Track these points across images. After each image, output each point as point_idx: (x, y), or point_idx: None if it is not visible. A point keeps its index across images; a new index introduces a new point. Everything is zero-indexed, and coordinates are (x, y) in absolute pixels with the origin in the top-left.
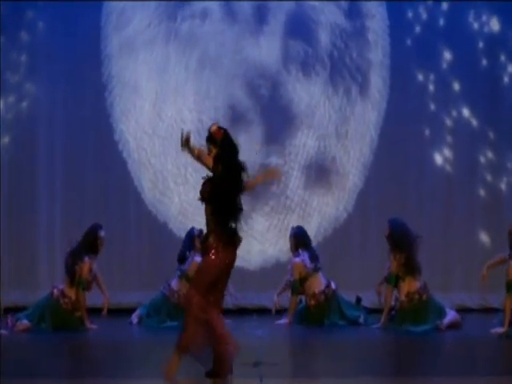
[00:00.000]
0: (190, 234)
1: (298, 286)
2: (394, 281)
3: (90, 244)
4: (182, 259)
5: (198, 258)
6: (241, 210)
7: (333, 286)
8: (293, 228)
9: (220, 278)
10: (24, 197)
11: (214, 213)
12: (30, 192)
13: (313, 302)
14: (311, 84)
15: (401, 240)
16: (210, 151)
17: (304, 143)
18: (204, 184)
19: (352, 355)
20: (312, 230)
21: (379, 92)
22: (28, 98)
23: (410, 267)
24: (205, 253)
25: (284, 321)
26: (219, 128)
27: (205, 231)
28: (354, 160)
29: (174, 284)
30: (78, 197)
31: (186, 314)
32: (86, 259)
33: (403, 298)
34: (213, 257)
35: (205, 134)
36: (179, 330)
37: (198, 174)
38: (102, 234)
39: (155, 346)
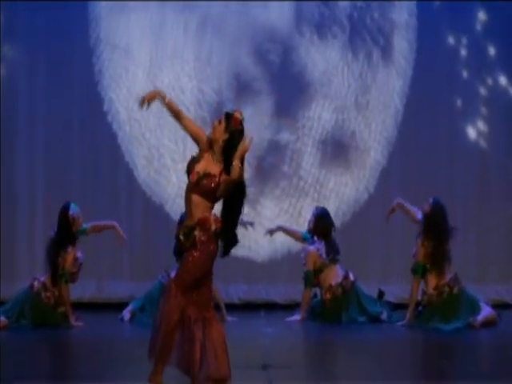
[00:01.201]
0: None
1: (312, 277)
2: (420, 271)
3: (66, 230)
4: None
5: None
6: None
7: (351, 277)
8: (317, 208)
9: (208, 272)
10: (1, 174)
11: (225, 207)
12: (8, 170)
13: (328, 296)
14: (327, 48)
15: (436, 224)
16: (216, 124)
17: (319, 116)
18: (216, 174)
19: (373, 356)
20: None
21: (404, 57)
22: (5, 62)
23: (439, 257)
24: (191, 248)
25: (296, 317)
26: (242, 120)
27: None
28: (375, 134)
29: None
30: (62, 174)
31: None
32: (70, 249)
33: (431, 291)
34: (199, 253)
35: (206, 107)
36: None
37: (197, 150)
38: (72, 212)
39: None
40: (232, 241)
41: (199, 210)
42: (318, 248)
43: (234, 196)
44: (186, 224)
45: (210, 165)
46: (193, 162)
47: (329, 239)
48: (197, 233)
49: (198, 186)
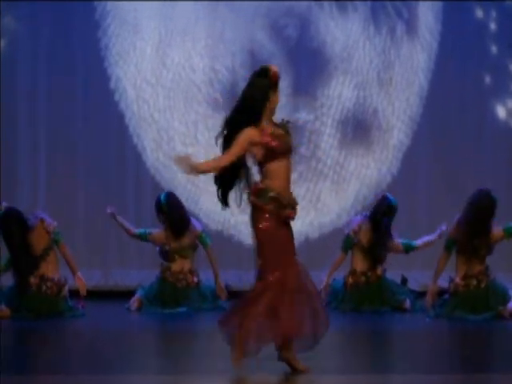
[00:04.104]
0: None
1: (352, 241)
2: (452, 247)
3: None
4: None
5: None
6: None
7: (379, 270)
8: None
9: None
10: (1, 152)
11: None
12: (8, 147)
13: (351, 281)
14: (348, 22)
15: (480, 214)
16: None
17: (339, 93)
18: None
19: (396, 347)
20: (349, 198)
21: (429, 31)
22: (6, 35)
23: (470, 248)
24: None
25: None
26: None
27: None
28: (399, 112)
29: (175, 265)
30: (66, 156)
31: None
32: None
33: (458, 280)
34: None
35: (219, 87)
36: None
37: (210, 133)
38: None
39: (156, 336)
40: None
41: None
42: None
43: None
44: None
45: None
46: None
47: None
48: None
49: None
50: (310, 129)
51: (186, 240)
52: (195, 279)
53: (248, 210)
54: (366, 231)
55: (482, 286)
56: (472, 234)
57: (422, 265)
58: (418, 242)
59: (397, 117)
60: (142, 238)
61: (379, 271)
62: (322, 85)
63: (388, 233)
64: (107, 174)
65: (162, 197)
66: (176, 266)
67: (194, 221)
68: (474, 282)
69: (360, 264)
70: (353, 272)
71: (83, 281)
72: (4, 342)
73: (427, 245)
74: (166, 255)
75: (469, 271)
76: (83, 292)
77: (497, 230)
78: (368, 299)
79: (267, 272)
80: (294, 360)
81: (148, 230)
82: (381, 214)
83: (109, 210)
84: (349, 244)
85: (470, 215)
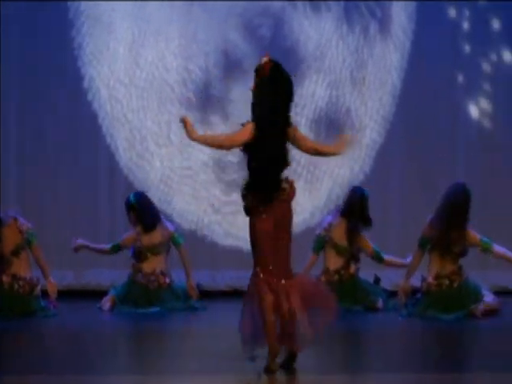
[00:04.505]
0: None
1: (323, 240)
2: (425, 245)
3: None
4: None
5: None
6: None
7: (352, 268)
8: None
9: None
10: None
11: None
12: None
13: (323, 279)
14: (321, 21)
15: (452, 208)
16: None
17: (312, 92)
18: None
19: (369, 346)
20: (321, 197)
21: (403, 30)
22: None
23: (444, 244)
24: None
25: None
26: (270, 61)
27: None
28: (372, 111)
29: (147, 266)
30: (37, 155)
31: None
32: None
33: (431, 280)
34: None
35: (192, 86)
36: None
37: (183, 133)
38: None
39: (128, 336)
40: None
41: None
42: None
43: None
44: None
45: None
46: None
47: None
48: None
49: None
50: None
51: (158, 237)
52: (167, 280)
53: (223, 209)
54: (337, 228)
55: (455, 285)
56: (447, 227)
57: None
58: (387, 258)
59: (370, 116)
60: (116, 247)
61: (352, 269)
62: (295, 84)
63: (361, 224)
64: (80, 174)
65: (131, 195)
66: (148, 267)
67: (166, 221)
68: (447, 282)
69: (333, 262)
70: (326, 271)
71: (55, 287)
72: None
73: (391, 264)
74: (139, 254)
75: (441, 271)
76: (53, 297)
77: (473, 234)
78: (341, 298)
79: None
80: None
81: (118, 239)
82: (358, 206)
83: (76, 242)
84: (320, 244)
85: (445, 207)
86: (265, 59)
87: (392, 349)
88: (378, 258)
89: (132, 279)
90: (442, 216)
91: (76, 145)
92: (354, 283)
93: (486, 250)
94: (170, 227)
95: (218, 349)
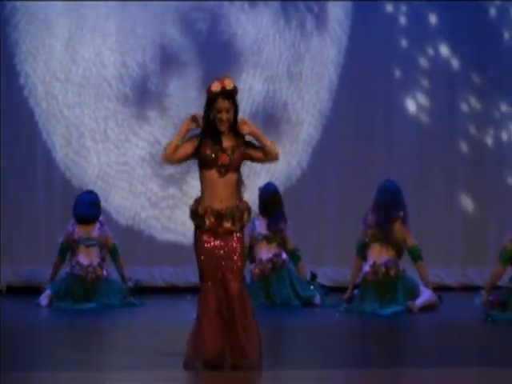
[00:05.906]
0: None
1: (247, 253)
2: (360, 249)
3: None
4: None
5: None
6: None
7: (283, 256)
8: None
9: None
10: None
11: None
12: None
13: (257, 271)
14: (259, 16)
15: (382, 203)
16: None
17: (249, 86)
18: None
19: (309, 342)
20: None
21: (339, 25)
22: None
23: (380, 233)
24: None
25: None
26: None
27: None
28: (309, 106)
29: (83, 258)
30: None
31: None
32: None
33: (368, 268)
34: None
35: (129, 82)
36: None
37: (120, 129)
38: None
39: (65, 332)
40: None
41: None
42: (250, 227)
43: None
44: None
45: None
46: None
47: (270, 214)
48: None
49: None
50: None
51: (95, 234)
52: (104, 272)
53: (159, 204)
54: (260, 221)
55: (392, 273)
56: (383, 220)
57: (330, 260)
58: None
59: (306, 110)
60: (64, 247)
61: (284, 257)
62: (232, 78)
63: (281, 219)
64: (18, 170)
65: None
66: (84, 259)
67: (108, 229)
68: (383, 269)
69: (265, 253)
70: (258, 263)
71: None
72: None
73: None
74: (76, 246)
75: (378, 260)
76: None
77: (407, 232)
78: (278, 289)
79: None
80: None
81: (58, 239)
82: (271, 204)
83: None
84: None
85: (377, 204)
86: (232, 83)
87: (330, 344)
88: (296, 258)
89: (70, 272)
90: (377, 208)
91: (13, 142)
92: (288, 273)
93: (412, 256)
94: (112, 237)
95: (154, 345)
